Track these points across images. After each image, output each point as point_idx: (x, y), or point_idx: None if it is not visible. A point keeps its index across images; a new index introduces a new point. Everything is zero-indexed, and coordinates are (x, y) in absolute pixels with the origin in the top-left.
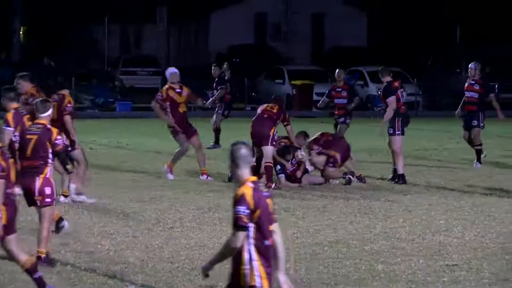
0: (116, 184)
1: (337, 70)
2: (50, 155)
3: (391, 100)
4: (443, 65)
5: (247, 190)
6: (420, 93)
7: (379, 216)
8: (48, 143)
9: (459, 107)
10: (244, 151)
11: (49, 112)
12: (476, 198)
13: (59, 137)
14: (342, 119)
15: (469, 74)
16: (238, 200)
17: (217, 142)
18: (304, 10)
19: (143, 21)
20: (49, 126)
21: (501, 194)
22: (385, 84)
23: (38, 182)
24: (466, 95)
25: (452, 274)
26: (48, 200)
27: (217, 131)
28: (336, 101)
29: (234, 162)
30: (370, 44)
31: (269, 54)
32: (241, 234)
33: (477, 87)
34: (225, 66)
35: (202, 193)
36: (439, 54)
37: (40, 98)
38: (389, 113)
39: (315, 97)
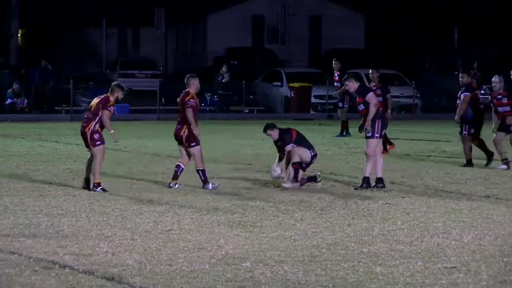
0: (114, 186)
1: (370, 71)
2: None
3: (371, 96)
4: (441, 67)
5: None
6: (418, 95)
7: (377, 218)
8: None
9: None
10: None
11: None
12: (474, 201)
13: None
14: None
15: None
16: None
17: None
18: (302, 12)
19: (141, 23)
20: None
21: (499, 196)
22: (358, 88)
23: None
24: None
25: (450, 276)
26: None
27: None
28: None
29: None
30: (367, 47)
31: (267, 56)
32: None
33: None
34: (223, 69)
35: (200, 195)
36: (436, 56)
37: None
38: (373, 111)
39: (313, 100)
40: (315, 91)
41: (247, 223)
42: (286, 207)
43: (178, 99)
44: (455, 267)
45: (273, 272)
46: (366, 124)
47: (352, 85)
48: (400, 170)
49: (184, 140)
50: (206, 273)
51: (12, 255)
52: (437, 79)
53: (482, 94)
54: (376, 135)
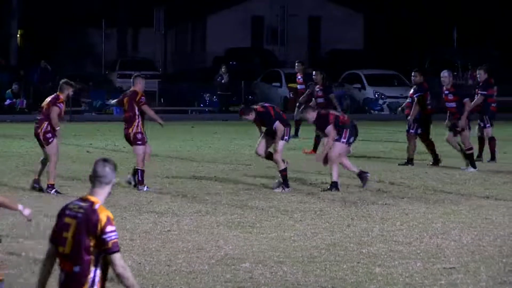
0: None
1: (314, 72)
2: None
3: (329, 130)
4: (440, 68)
5: None
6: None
7: (377, 219)
8: None
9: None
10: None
11: None
12: (473, 201)
13: None
14: None
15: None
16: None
17: None
18: (301, 13)
19: (140, 24)
20: None
21: (498, 197)
22: (316, 118)
23: None
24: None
25: (449, 277)
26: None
27: None
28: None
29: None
30: (367, 47)
31: (266, 57)
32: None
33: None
34: (223, 69)
35: (199, 196)
36: (435, 57)
37: None
38: (330, 143)
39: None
40: None
41: (246, 224)
42: (285, 208)
43: (123, 100)
44: (454, 267)
45: (272, 272)
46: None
47: (310, 116)
48: (399, 171)
49: (131, 138)
50: (205, 274)
51: (11, 256)
52: (436, 79)
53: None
54: (343, 140)
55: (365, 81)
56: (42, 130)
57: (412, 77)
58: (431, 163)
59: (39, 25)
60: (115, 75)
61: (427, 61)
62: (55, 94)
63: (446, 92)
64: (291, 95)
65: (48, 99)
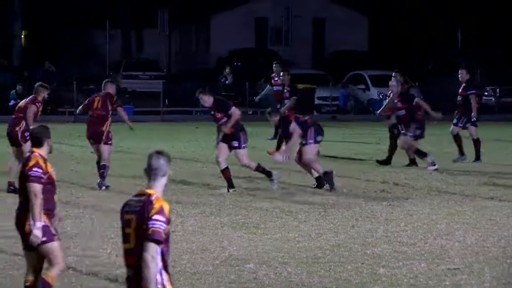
0: (117, 188)
1: (282, 73)
2: None
3: (293, 126)
4: (444, 69)
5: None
6: (422, 97)
7: (381, 220)
8: None
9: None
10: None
11: None
12: (477, 202)
13: None
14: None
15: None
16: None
17: None
18: (305, 14)
19: (144, 25)
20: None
21: (502, 198)
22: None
23: None
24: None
25: (453, 278)
26: None
27: None
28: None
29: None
30: (371, 48)
31: (270, 58)
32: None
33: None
34: (227, 70)
35: (203, 197)
36: (440, 58)
37: None
38: (295, 138)
39: (316, 101)
40: (319, 93)
41: (251, 225)
42: (290, 209)
43: (94, 101)
44: (458, 268)
45: (276, 273)
46: (286, 150)
47: (275, 119)
48: (404, 172)
49: (103, 136)
50: (210, 275)
51: (16, 257)
52: (440, 80)
53: (486, 96)
54: (309, 141)
55: (369, 82)
56: (21, 129)
57: (393, 78)
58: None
59: (42, 26)
60: (119, 76)
61: (430, 62)
62: (32, 96)
63: (396, 101)
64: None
65: (25, 100)
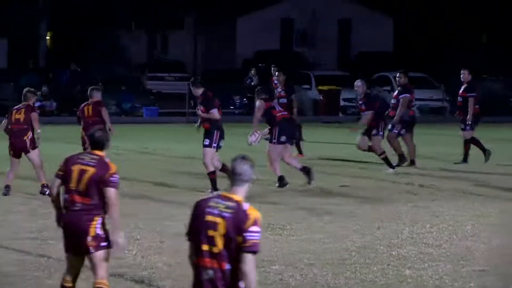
0: (143, 188)
1: (277, 73)
2: None
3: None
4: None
5: None
6: (447, 98)
7: (406, 221)
8: None
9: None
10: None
11: None
12: (503, 203)
13: None
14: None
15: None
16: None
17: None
18: (331, 15)
19: (171, 26)
20: None
21: None
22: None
23: None
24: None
25: (479, 279)
26: None
27: None
28: (362, 113)
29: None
30: (396, 49)
31: (296, 59)
32: None
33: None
34: (252, 71)
35: None
36: (465, 59)
37: None
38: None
39: (342, 103)
40: (344, 94)
41: (276, 226)
42: (315, 210)
43: (85, 110)
44: (484, 270)
45: (302, 275)
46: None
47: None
48: (429, 173)
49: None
50: None
51: (42, 258)
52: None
53: None
54: (273, 140)
55: (394, 84)
56: (28, 137)
57: (397, 78)
58: (404, 164)
59: (68, 27)
60: (144, 77)
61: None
62: (24, 104)
63: (360, 102)
64: (321, 97)
65: (22, 110)
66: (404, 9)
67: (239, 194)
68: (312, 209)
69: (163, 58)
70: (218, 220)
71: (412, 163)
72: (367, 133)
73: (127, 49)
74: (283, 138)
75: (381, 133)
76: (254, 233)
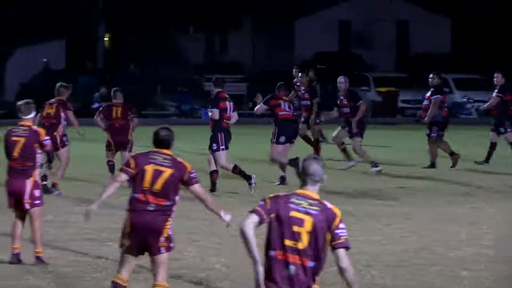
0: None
1: (300, 74)
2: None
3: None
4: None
5: None
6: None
7: (463, 223)
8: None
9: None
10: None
11: (33, 114)
12: None
13: (46, 137)
14: None
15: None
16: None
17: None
18: (389, 17)
19: (228, 28)
20: (35, 127)
21: None
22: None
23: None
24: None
25: None
26: (37, 202)
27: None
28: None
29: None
30: (454, 51)
31: (354, 61)
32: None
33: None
34: (311, 73)
35: None
36: None
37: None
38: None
39: (400, 104)
40: (402, 96)
41: None
42: (372, 212)
43: (112, 111)
44: None
45: (360, 276)
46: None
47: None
48: (487, 174)
49: (129, 143)
50: None
51: (99, 259)
52: None
53: None
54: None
55: (453, 85)
56: (59, 133)
57: (430, 79)
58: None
59: (126, 28)
60: (203, 79)
61: None
62: (56, 99)
63: (341, 98)
64: (379, 99)
65: (54, 105)
66: (462, 10)
67: (313, 193)
68: (368, 211)
69: (221, 60)
70: (305, 217)
71: (433, 165)
72: (349, 130)
73: (185, 51)
74: (282, 139)
75: (362, 133)
76: (343, 230)
